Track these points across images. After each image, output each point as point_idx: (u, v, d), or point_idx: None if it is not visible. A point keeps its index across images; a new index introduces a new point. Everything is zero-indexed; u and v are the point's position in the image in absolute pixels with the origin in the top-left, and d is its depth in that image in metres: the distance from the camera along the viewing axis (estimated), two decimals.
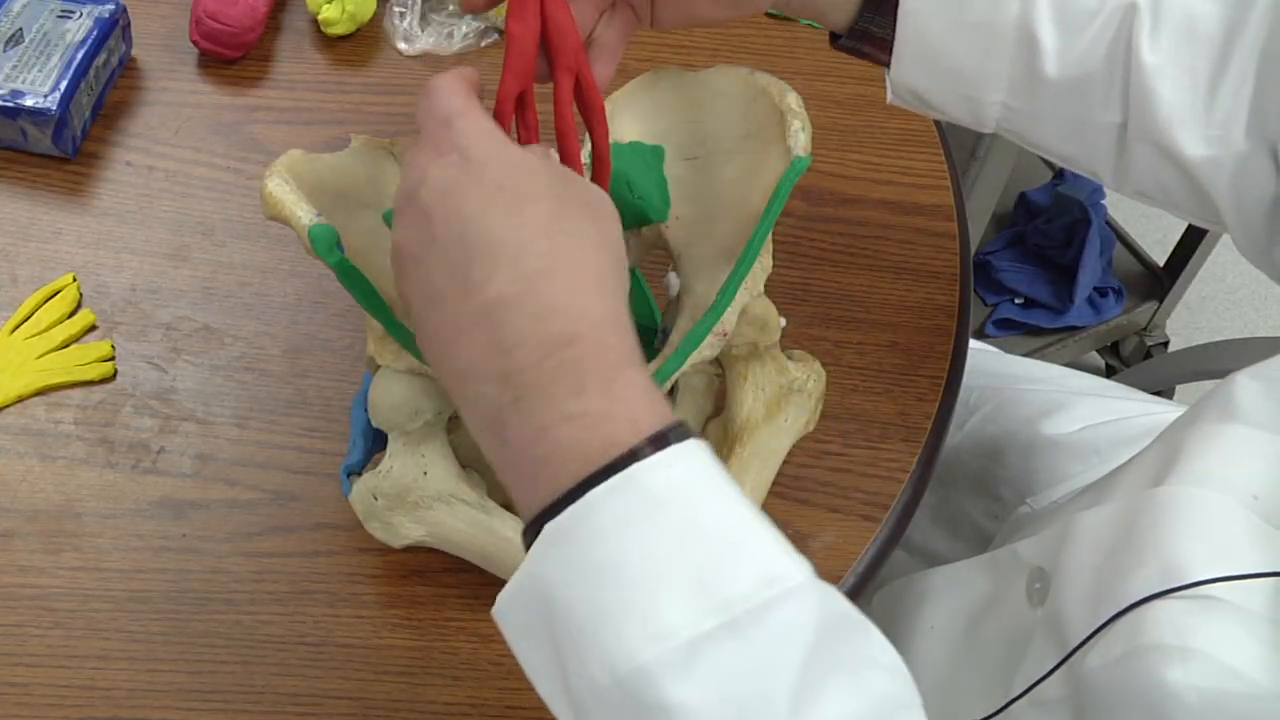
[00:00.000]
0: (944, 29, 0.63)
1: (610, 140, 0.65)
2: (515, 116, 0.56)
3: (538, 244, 0.45)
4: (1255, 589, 0.51)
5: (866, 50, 0.66)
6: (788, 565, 0.42)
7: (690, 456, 0.43)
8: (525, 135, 0.56)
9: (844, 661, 0.42)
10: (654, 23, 0.62)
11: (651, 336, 0.73)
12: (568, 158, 0.56)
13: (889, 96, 0.68)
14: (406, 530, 0.62)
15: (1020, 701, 0.61)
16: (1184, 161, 0.62)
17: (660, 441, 0.42)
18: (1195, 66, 0.61)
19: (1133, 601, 0.54)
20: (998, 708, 0.62)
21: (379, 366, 0.59)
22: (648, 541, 0.41)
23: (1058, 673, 0.58)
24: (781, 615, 0.41)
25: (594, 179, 0.59)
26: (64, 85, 0.80)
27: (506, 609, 0.45)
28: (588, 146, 0.59)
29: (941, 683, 0.68)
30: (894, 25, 0.63)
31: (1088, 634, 0.56)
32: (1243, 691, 0.49)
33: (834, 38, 0.68)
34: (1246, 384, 0.59)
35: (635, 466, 0.42)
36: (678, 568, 0.41)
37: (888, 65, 0.66)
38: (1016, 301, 1.67)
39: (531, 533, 0.43)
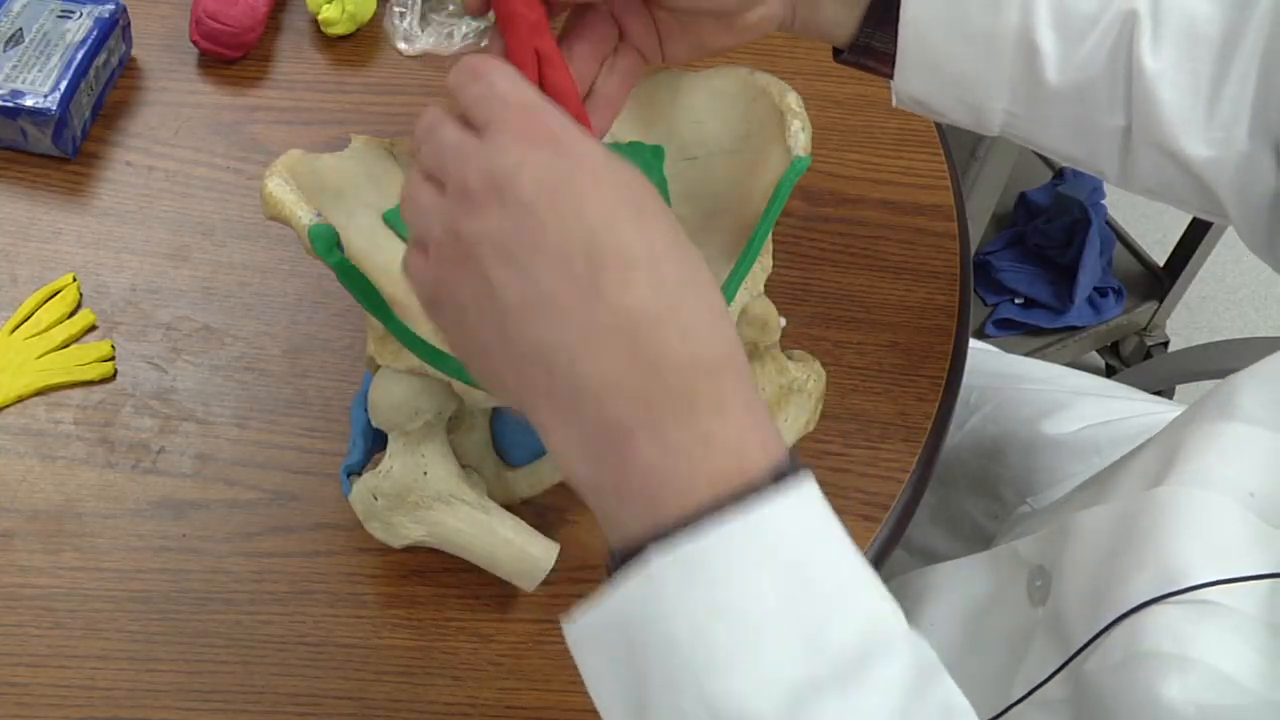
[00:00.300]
0: (945, 39, 0.63)
1: (609, 140, 0.66)
2: None
3: (671, 261, 0.43)
4: (1252, 591, 0.52)
5: (869, 64, 0.67)
6: (888, 613, 0.42)
7: (806, 494, 0.42)
8: None
9: (934, 715, 0.42)
10: (665, 59, 0.62)
11: None
12: None
13: (894, 102, 0.68)
14: (406, 530, 0.62)
15: (1016, 688, 0.61)
16: (1187, 162, 0.62)
17: (780, 476, 0.41)
18: (1197, 70, 0.61)
19: (1131, 606, 0.54)
20: (1001, 709, 0.62)
21: (379, 366, 0.59)
22: (764, 583, 0.40)
23: (1060, 673, 0.58)
24: (883, 670, 0.40)
25: None
26: (64, 85, 0.80)
27: (586, 635, 0.43)
28: None
29: None
30: (895, 39, 0.63)
31: (1088, 638, 0.56)
32: (1238, 703, 0.49)
33: (836, 53, 0.68)
34: (1245, 382, 0.59)
35: (757, 505, 0.40)
36: (791, 612, 0.40)
37: (890, 77, 0.66)
38: (1016, 301, 1.67)
39: (624, 557, 0.41)
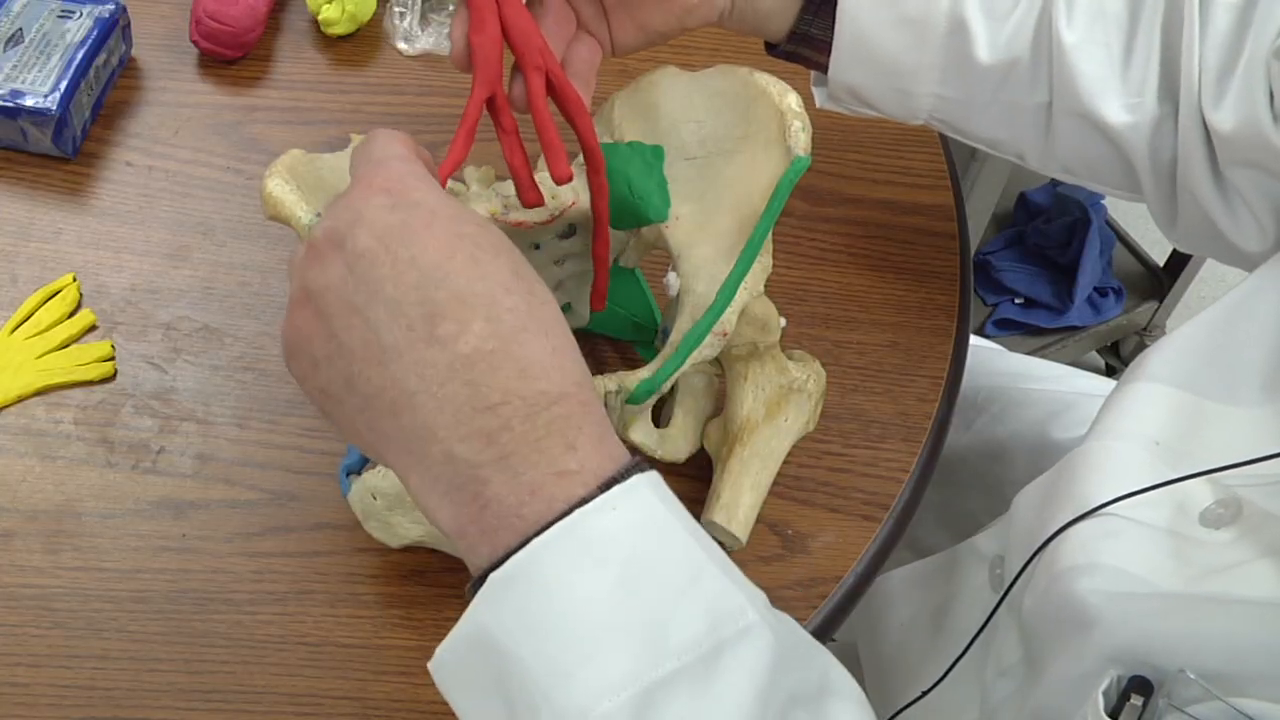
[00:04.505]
0: (880, 25, 0.66)
1: (610, 140, 0.66)
2: (496, 121, 0.57)
3: (509, 299, 0.43)
4: (1156, 506, 0.55)
5: (804, 53, 0.69)
6: (740, 601, 0.41)
7: (637, 495, 0.42)
8: (504, 139, 0.57)
9: (802, 694, 0.42)
10: (614, 46, 0.65)
11: (651, 336, 0.73)
12: (550, 148, 0.56)
13: (819, 101, 0.71)
14: (405, 530, 0.62)
15: (988, 674, 0.64)
16: (1106, 128, 0.66)
17: (610, 484, 0.41)
18: (1109, 43, 0.65)
19: (1049, 535, 0.58)
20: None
21: None
22: (593, 590, 0.40)
23: (1014, 637, 0.62)
24: (736, 656, 0.40)
25: (588, 172, 0.60)
26: (64, 85, 0.80)
27: (446, 662, 0.43)
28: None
29: (917, 674, 0.70)
30: (833, 27, 0.66)
31: (1018, 571, 0.60)
32: (1138, 591, 0.53)
33: (770, 47, 0.71)
34: (1156, 347, 0.63)
35: (576, 514, 0.40)
36: (626, 616, 0.40)
37: (824, 69, 0.69)
38: (1016, 301, 1.67)
39: (477, 586, 0.42)
